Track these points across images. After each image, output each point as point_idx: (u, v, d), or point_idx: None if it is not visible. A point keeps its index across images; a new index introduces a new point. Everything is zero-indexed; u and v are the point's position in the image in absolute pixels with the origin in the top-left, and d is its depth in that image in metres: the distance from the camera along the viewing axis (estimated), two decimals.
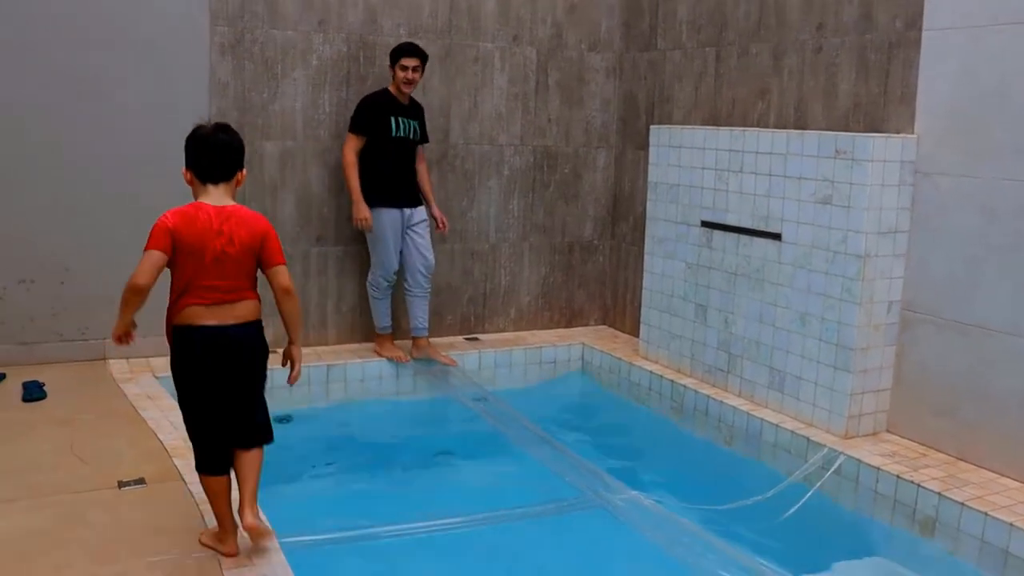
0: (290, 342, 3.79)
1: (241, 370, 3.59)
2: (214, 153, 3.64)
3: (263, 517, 3.64)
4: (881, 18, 5.29)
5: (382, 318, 6.55)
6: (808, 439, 5.16)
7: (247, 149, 6.18)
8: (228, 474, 3.63)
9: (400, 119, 6.31)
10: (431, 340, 6.80)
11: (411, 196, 6.45)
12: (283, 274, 3.68)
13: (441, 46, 6.80)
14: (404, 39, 6.63)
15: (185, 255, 3.45)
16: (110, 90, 5.97)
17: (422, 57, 6.28)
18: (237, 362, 3.57)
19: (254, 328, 3.63)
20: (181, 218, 3.48)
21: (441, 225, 6.65)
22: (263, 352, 3.68)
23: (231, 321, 3.53)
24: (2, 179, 5.81)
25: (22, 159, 5.84)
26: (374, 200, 6.30)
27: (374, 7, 6.58)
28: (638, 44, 7.25)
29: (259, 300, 3.66)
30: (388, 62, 6.33)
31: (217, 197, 3.59)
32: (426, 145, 6.65)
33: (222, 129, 3.71)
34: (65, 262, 6.00)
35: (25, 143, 5.83)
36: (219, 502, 3.61)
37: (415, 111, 6.45)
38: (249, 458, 3.64)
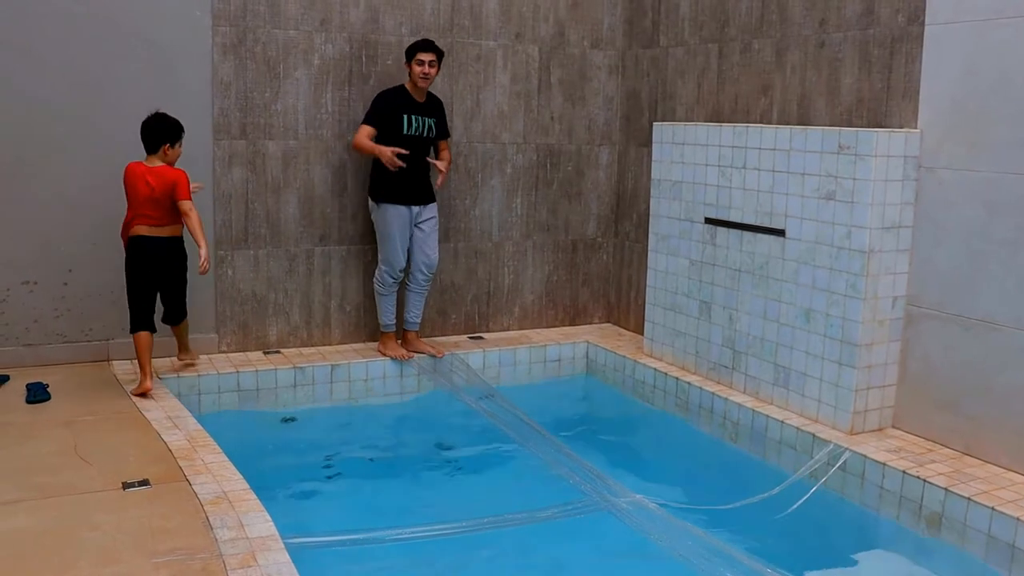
0: (197, 244, 5.45)
1: (164, 263, 5.57)
2: (144, 134, 5.53)
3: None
4: (883, 13, 5.27)
5: (386, 315, 6.55)
6: (814, 435, 5.15)
7: (249, 149, 6.22)
8: (150, 332, 5.56)
9: (413, 117, 6.31)
10: (435, 339, 6.83)
11: (420, 194, 6.44)
12: (183, 204, 5.45)
13: (443, 45, 6.78)
14: (406, 38, 6.63)
15: (129, 195, 5.49)
16: (113, 90, 5.98)
17: (438, 52, 6.29)
18: (163, 258, 5.55)
19: (174, 241, 5.59)
20: (127, 172, 5.50)
21: (442, 172, 6.46)
22: (180, 255, 5.66)
23: (158, 235, 5.50)
24: (5, 180, 5.82)
25: (25, 160, 5.84)
26: (383, 196, 6.32)
27: (376, 6, 6.57)
28: (640, 41, 7.24)
29: (180, 225, 5.56)
30: (404, 59, 6.35)
31: (150, 162, 5.51)
32: (449, 140, 6.70)
33: (153, 117, 5.55)
34: (68, 263, 6.00)
35: (28, 144, 5.83)
36: (144, 354, 5.50)
37: (432, 108, 6.45)
38: (178, 330, 5.91)
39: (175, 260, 5.63)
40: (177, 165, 5.59)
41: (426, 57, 6.21)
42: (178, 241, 5.61)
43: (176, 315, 5.80)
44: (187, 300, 5.83)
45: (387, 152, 6.15)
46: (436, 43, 6.32)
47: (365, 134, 6.26)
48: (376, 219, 6.43)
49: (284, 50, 6.36)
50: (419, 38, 6.44)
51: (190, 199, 5.50)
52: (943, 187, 4.96)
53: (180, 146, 5.59)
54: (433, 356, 6.60)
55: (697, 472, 5.62)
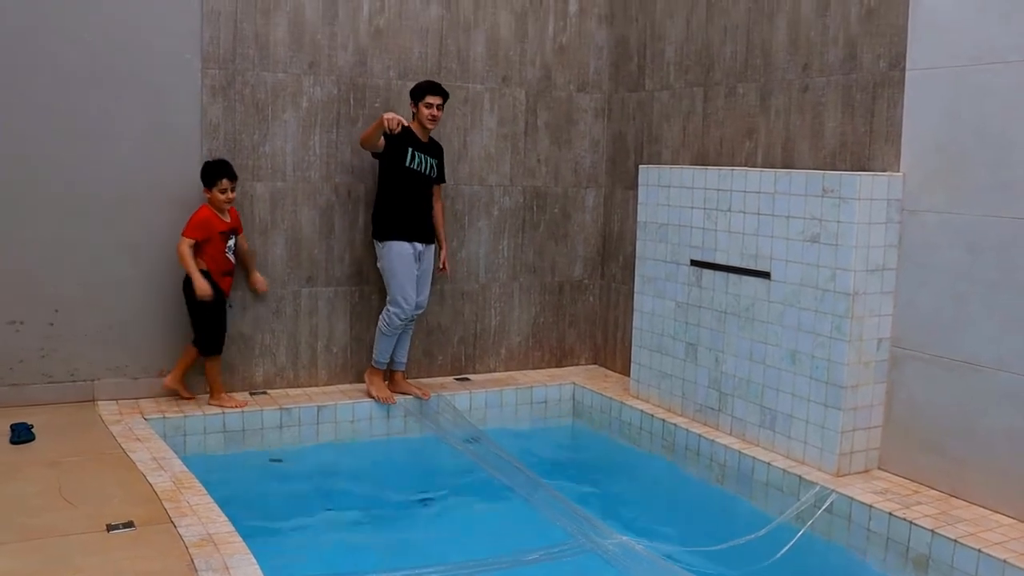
0: None
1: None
2: None
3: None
4: (865, 58, 5.36)
5: (383, 354, 6.48)
6: (800, 477, 5.15)
7: (237, 191, 6.24)
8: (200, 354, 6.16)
9: (417, 153, 6.33)
10: (421, 381, 6.83)
11: (423, 232, 6.44)
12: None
13: None
14: (394, 81, 6.70)
15: None
16: (102, 130, 6.00)
17: (445, 96, 6.36)
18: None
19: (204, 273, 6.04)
20: None
21: (443, 267, 6.69)
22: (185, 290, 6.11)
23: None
24: None
25: (13, 199, 5.85)
26: (386, 233, 6.31)
27: (364, 50, 6.64)
28: (626, 84, 7.32)
29: (205, 259, 6.06)
30: (409, 100, 6.40)
31: None
32: (443, 185, 6.72)
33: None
34: (55, 303, 5.99)
35: (16, 183, 5.84)
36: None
37: (434, 149, 6.49)
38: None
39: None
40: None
41: (435, 100, 6.28)
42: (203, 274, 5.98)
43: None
44: (208, 334, 6.13)
45: (386, 115, 6.03)
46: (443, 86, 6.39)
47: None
48: (382, 258, 6.39)
49: (273, 92, 6.40)
50: (424, 80, 6.47)
51: (184, 236, 5.92)
52: (926, 229, 5.02)
53: (215, 191, 5.97)
54: (419, 398, 6.58)
55: (684, 514, 5.61)
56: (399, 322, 6.35)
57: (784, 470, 5.26)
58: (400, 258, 6.30)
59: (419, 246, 6.40)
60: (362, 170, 6.68)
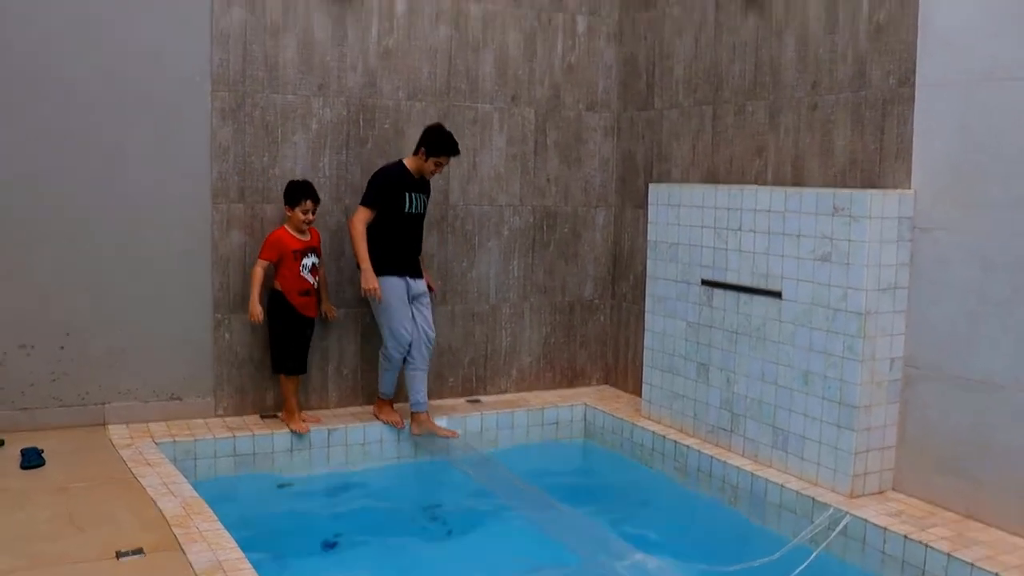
0: None
1: None
2: None
3: None
4: (874, 75, 5.33)
5: (388, 385, 6.50)
6: (813, 499, 5.10)
7: (247, 212, 6.26)
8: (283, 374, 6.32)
9: (414, 195, 6.29)
10: (432, 403, 6.79)
11: (415, 268, 6.42)
12: None
13: (440, 108, 6.86)
14: (403, 102, 6.70)
15: None
16: (112, 153, 6.02)
17: (459, 154, 6.40)
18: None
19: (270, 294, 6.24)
20: None
21: (432, 289, 6.67)
22: (269, 308, 6.23)
23: None
24: (3, 243, 5.83)
25: (24, 223, 5.86)
26: (380, 269, 6.24)
27: (373, 71, 6.65)
28: (635, 103, 7.31)
29: (280, 279, 6.19)
30: (420, 144, 6.22)
31: None
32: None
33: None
34: (66, 327, 6.00)
35: (26, 207, 5.86)
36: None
37: (424, 185, 6.44)
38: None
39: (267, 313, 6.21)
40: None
41: (446, 161, 6.29)
42: (273, 294, 6.18)
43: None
44: (282, 354, 6.26)
45: (368, 283, 6.11)
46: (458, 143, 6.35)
47: (363, 221, 6.17)
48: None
49: (282, 114, 6.41)
50: (446, 135, 6.24)
51: (260, 258, 6.10)
52: (938, 247, 4.98)
53: (296, 211, 6.09)
54: (447, 438, 6.44)
55: (696, 536, 5.56)
56: (398, 356, 6.34)
57: (797, 492, 5.21)
58: (394, 293, 6.25)
59: (411, 281, 6.35)
60: None
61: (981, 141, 4.76)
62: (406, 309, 6.32)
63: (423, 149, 6.22)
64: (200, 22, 6.16)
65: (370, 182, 6.29)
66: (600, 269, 7.63)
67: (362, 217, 6.19)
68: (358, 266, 6.23)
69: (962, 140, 4.85)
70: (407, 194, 6.26)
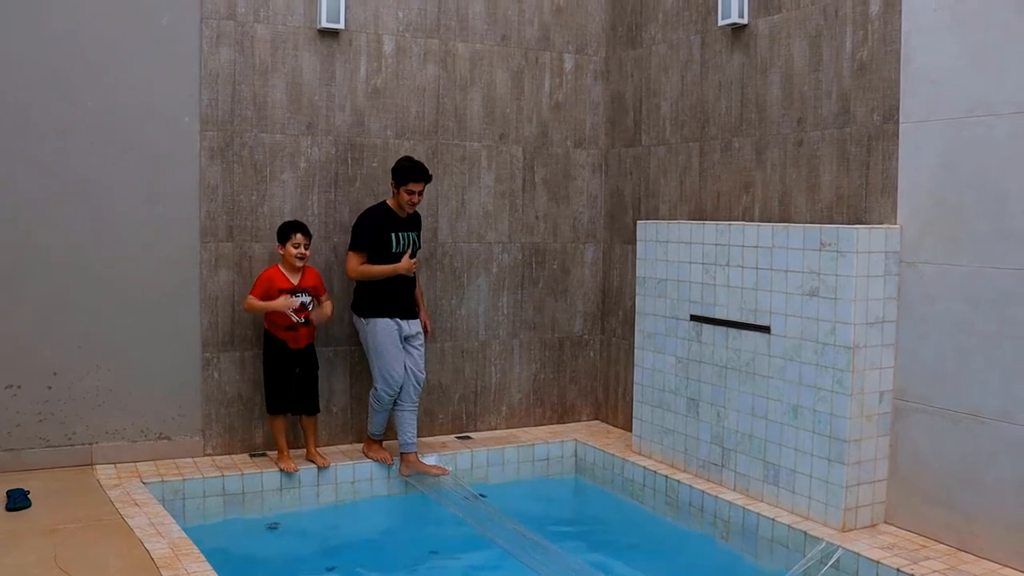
0: None
1: None
2: None
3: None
4: (859, 112, 5.39)
5: (378, 426, 6.48)
6: (805, 533, 5.09)
7: (235, 251, 6.27)
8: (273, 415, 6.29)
9: (400, 234, 6.28)
10: (422, 439, 6.78)
11: (408, 308, 6.38)
12: None
13: (428, 146, 6.90)
14: (392, 140, 6.73)
15: None
16: (101, 193, 6.03)
17: (428, 180, 6.28)
18: None
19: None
20: None
21: (427, 331, 6.65)
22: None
23: None
24: None
25: (11, 262, 5.86)
26: (371, 311, 6.24)
27: (361, 110, 6.68)
28: (623, 140, 7.36)
29: (270, 320, 6.24)
30: (391, 178, 6.27)
31: None
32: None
33: None
34: (53, 367, 5.97)
35: (15, 245, 5.86)
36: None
37: (414, 222, 6.43)
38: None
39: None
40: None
41: (416, 188, 6.20)
42: (262, 332, 6.27)
43: None
44: (268, 392, 6.25)
45: (403, 264, 6.17)
46: (426, 168, 6.27)
47: (360, 261, 6.20)
48: (367, 336, 6.31)
49: (271, 153, 6.44)
50: (407, 161, 6.29)
51: (249, 295, 6.09)
52: (925, 281, 5.01)
53: (288, 246, 6.07)
54: (438, 476, 6.41)
55: (690, 572, 5.54)
56: (388, 398, 6.30)
57: (789, 526, 5.20)
58: (386, 335, 6.24)
59: (403, 322, 6.32)
60: None
61: (965, 177, 4.80)
62: (398, 352, 6.28)
63: (392, 182, 6.26)
64: (189, 63, 6.20)
65: (355, 226, 6.31)
66: (589, 305, 7.64)
67: (355, 262, 6.21)
68: (358, 295, 6.32)
69: (947, 176, 4.90)
70: (393, 234, 6.25)
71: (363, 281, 6.26)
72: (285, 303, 6.03)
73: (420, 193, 6.25)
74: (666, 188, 6.90)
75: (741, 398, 5.73)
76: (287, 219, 6.33)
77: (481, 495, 6.42)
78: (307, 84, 6.51)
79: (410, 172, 6.19)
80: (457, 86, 7.00)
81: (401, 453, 6.44)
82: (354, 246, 6.25)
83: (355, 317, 6.40)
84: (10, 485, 5.51)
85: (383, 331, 6.23)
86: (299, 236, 6.09)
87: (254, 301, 6.06)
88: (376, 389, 6.33)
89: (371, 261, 6.22)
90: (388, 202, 6.34)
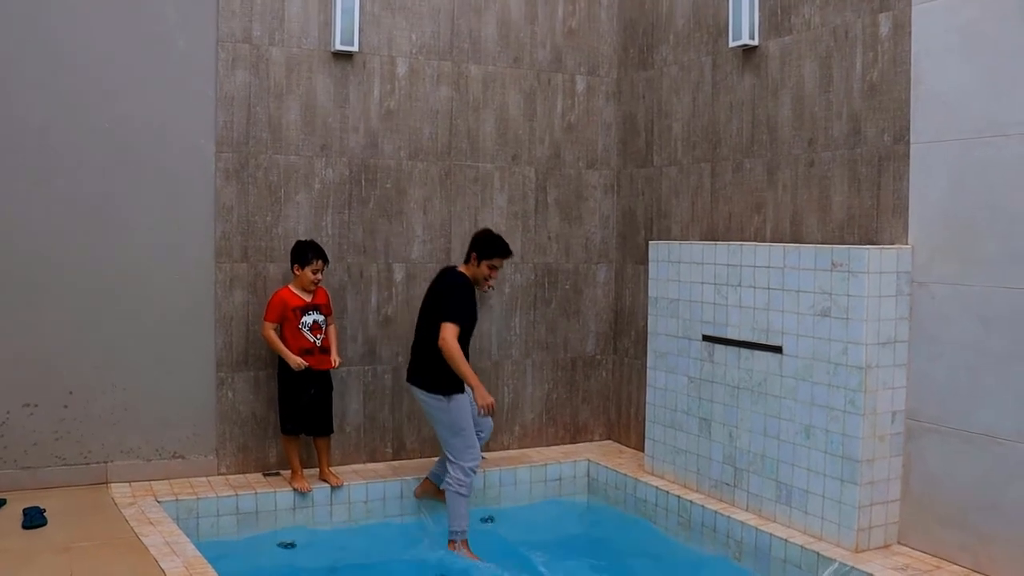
0: None
1: None
2: None
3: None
4: (869, 133, 5.41)
5: (464, 519, 5.91)
6: (818, 553, 5.09)
7: (250, 272, 6.32)
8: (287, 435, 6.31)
9: (477, 305, 6.15)
10: (436, 459, 6.78)
11: None
12: None
13: (441, 167, 6.94)
14: (405, 161, 6.78)
15: None
16: (116, 215, 6.09)
17: (510, 257, 6.11)
18: None
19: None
20: None
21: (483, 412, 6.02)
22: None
23: None
24: (8, 302, 5.88)
25: (28, 283, 5.91)
26: (453, 387, 5.86)
27: (375, 131, 6.74)
28: (635, 160, 7.40)
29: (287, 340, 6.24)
30: (471, 248, 6.04)
31: None
32: None
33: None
34: (69, 386, 6.02)
35: (32, 267, 5.92)
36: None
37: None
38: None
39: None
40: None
41: (500, 264, 5.99)
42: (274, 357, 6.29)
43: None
44: (283, 412, 6.26)
45: (486, 398, 5.78)
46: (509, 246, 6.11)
47: (456, 334, 5.75)
48: (447, 411, 5.89)
49: (285, 175, 6.49)
50: (494, 234, 6.13)
51: (264, 321, 6.16)
52: (936, 302, 5.02)
53: (307, 270, 6.12)
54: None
55: None
56: (473, 475, 5.92)
57: (802, 546, 5.19)
58: (466, 410, 5.89)
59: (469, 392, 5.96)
60: (374, 250, 6.75)
61: (977, 197, 4.82)
62: (473, 426, 6.01)
63: (474, 254, 5.98)
64: (205, 86, 6.27)
65: (457, 296, 5.89)
66: (602, 325, 7.66)
67: (454, 333, 5.74)
68: (441, 376, 5.85)
69: (958, 196, 4.91)
70: (477, 305, 6.11)
71: (438, 355, 5.79)
72: (296, 363, 6.05)
73: (500, 269, 6.08)
74: (678, 208, 6.93)
75: (753, 418, 5.73)
76: (301, 238, 6.38)
77: (489, 518, 6.43)
78: (321, 106, 6.58)
79: (500, 248, 5.98)
80: (470, 108, 7.05)
81: (427, 481, 6.38)
82: (456, 317, 5.79)
83: (427, 394, 5.95)
84: (27, 503, 5.55)
85: (463, 407, 5.90)
86: (319, 262, 6.16)
87: (272, 335, 6.12)
88: (462, 467, 5.86)
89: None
90: (465, 271, 6.02)
